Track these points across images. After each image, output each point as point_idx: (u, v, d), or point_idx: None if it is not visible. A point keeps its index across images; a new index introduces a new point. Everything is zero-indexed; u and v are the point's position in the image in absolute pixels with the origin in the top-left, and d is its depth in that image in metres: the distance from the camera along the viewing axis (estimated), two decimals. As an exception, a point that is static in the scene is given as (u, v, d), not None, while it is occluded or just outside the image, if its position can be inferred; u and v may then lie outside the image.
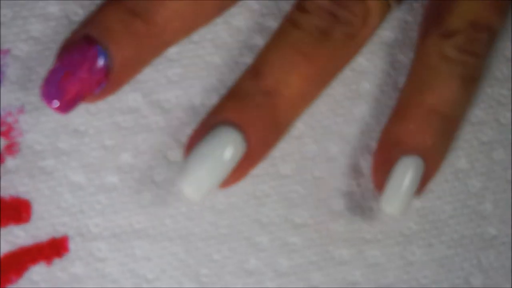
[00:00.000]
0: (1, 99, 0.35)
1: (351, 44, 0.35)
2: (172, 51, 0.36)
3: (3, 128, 0.35)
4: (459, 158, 0.38)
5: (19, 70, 0.35)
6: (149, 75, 0.36)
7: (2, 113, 0.35)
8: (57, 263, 0.35)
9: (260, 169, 0.37)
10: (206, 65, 0.37)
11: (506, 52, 0.38)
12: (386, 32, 0.38)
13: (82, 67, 0.33)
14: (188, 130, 0.36)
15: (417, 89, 0.36)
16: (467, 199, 0.38)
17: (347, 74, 0.37)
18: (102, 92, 0.34)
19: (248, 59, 0.37)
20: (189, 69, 0.37)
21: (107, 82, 0.33)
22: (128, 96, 0.36)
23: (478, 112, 0.38)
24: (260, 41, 0.37)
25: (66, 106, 0.33)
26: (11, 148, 0.35)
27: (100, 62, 0.33)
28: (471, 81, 0.36)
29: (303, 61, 0.34)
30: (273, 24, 0.37)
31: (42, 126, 0.35)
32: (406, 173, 0.35)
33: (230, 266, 0.37)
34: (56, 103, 0.32)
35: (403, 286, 0.37)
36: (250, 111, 0.34)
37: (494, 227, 0.38)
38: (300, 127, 0.37)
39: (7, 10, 0.35)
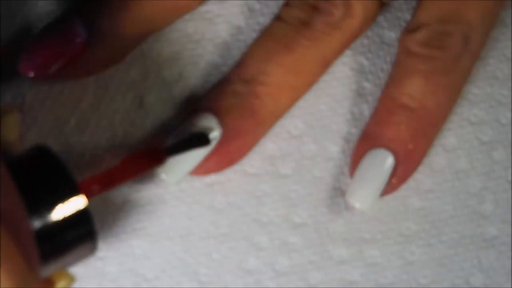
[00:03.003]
0: (0, 98, 0.35)
1: (335, 34, 0.35)
2: (172, 51, 0.36)
3: (3, 127, 0.35)
4: (459, 158, 0.38)
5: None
6: (149, 74, 0.36)
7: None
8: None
9: (260, 168, 0.37)
10: (207, 64, 0.37)
11: (506, 51, 0.38)
12: (386, 32, 0.38)
13: (58, 34, 0.34)
14: (189, 130, 0.36)
15: (387, 85, 0.37)
16: (467, 199, 0.38)
17: (347, 74, 0.37)
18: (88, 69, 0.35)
19: (248, 59, 0.37)
20: (189, 69, 0.37)
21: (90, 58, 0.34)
22: (128, 96, 0.36)
23: (478, 112, 0.38)
24: (260, 40, 0.37)
25: (36, 70, 0.34)
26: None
27: (78, 33, 0.34)
28: (436, 74, 0.36)
29: (281, 49, 0.35)
30: (273, 23, 0.37)
31: (42, 125, 0.35)
32: (370, 165, 0.36)
33: (230, 265, 0.37)
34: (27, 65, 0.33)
35: (402, 286, 0.37)
36: (227, 97, 0.35)
37: (494, 227, 0.38)
38: (299, 126, 0.37)
39: (6, 9, 0.35)
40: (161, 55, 0.36)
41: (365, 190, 0.36)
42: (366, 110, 0.38)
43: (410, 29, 0.36)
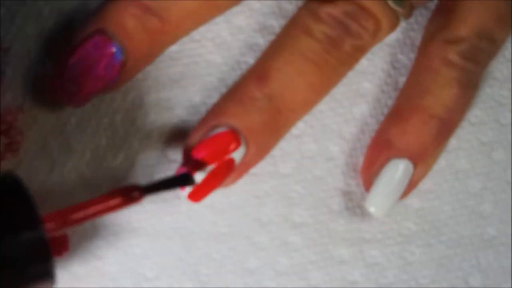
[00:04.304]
0: (0, 98, 0.35)
1: (358, 55, 0.36)
2: (173, 50, 0.36)
3: (3, 127, 0.35)
4: (459, 158, 0.38)
5: (19, 68, 0.35)
6: (150, 73, 0.36)
7: (2, 111, 0.35)
8: (57, 261, 0.35)
9: (260, 168, 0.37)
10: (207, 64, 0.37)
11: (506, 52, 0.38)
12: (387, 32, 0.38)
13: (100, 64, 0.33)
14: (188, 129, 0.36)
15: (415, 91, 0.36)
16: (467, 199, 0.38)
17: (347, 74, 0.37)
18: (110, 86, 0.34)
19: (248, 58, 0.37)
20: (190, 68, 0.37)
21: (118, 78, 0.34)
22: (128, 95, 0.36)
23: (478, 113, 0.38)
24: (260, 40, 0.37)
25: (82, 101, 0.34)
26: (11, 147, 0.35)
27: (117, 59, 0.33)
28: (469, 87, 0.36)
29: (311, 68, 0.35)
30: (274, 23, 0.37)
31: (42, 125, 0.35)
32: (394, 176, 0.35)
33: (230, 265, 0.37)
34: (74, 98, 0.33)
35: (402, 286, 0.38)
36: (253, 116, 0.34)
37: (493, 228, 0.38)
38: (300, 126, 0.37)
39: (6, 9, 0.35)
40: (161, 55, 0.36)
41: (387, 200, 0.36)
42: (366, 110, 0.38)
43: (449, 40, 0.35)
